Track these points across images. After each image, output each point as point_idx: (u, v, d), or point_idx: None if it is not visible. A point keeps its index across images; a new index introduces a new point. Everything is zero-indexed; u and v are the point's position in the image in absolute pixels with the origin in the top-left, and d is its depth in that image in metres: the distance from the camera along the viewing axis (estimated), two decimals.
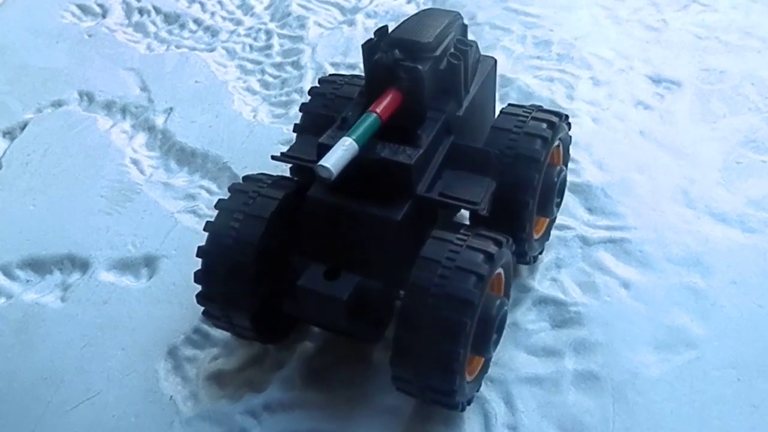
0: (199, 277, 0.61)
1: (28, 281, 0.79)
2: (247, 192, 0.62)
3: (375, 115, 0.58)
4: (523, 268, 0.73)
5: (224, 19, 1.15)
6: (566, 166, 0.74)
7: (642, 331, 0.68)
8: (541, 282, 0.73)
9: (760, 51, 0.96)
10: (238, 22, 1.13)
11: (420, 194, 0.59)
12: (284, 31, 1.09)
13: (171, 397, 0.67)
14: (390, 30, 0.65)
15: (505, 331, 0.68)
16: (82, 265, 0.79)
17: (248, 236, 0.59)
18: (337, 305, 0.57)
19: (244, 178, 0.65)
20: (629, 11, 1.07)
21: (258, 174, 0.66)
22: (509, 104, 0.69)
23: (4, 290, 0.78)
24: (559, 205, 0.71)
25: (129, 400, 0.67)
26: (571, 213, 0.78)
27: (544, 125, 0.64)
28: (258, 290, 0.60)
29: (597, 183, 0.81)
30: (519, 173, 0.63)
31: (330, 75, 0.75)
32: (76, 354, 0.71)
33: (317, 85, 0.73)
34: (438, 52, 0.61)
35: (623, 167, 0.82)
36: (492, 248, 0.56)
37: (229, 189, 0.63)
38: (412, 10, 1.13)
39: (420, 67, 0.60)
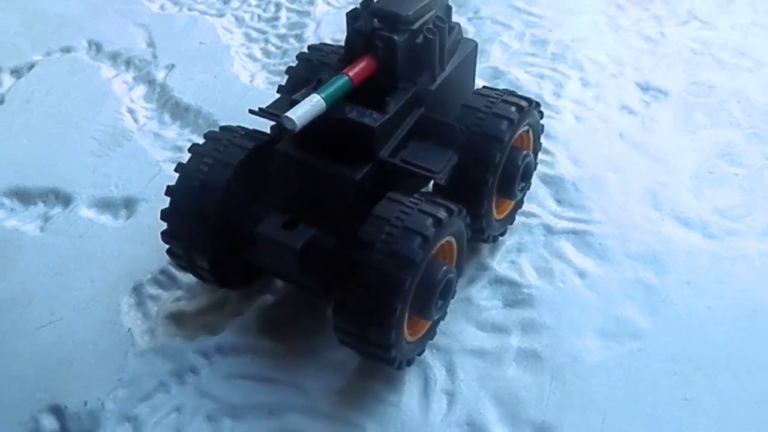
0: (165, 215, 0.64)
1: (12, 209, 0.82)
2: (220, 139, 0.65)
3: (347, 77, 0.61)
4: (485, 248, 0.76)
5: None
6: (536, 153, 0.76)
7: (590, 318, 0.70)
8: (500, 263, 0.75)
9: (751, 71, 0.98)
10: None
11: (382, 158, 0.62)
12: (293, 6, 1.12)
13: (129, 329, 0.70)
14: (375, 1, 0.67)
15: (457, 305, 0.71)
16: (65, 199, 0.82)
17: (215, 180, 0.62)
18: (290, 254, 0.60)
19: (221, 127, 0.68)
20: (630, 21, 1.09)
21: (236, 126, 0.68)
22: (484, 86, 0.72)
23: None
24: (523, 189, 0.73)
25: (89, 328, 0.70)
26: (539, 202, 0.81)
27: (513, 108, 0.67)
28: (219, 233, 0.63)
29: (569, 177, 0.83)
30: (482, 150, 0.65)
31: (320, 44, 0.78)
32: (47, 280, 0.74)
33: (306, 51, 0.76)
34: (415, 26, 0.64)
35: (598, 165, 0.84)
36: (442, 214, 0.58)
37: (205, 135, 0.66)
38: None
39: (396, 37, 0.62)
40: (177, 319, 0.71)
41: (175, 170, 0.64)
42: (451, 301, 0.69)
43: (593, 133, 0.89)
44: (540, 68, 0.98)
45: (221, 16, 1.11)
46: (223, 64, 0.99)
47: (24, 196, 0.83)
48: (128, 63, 1.01)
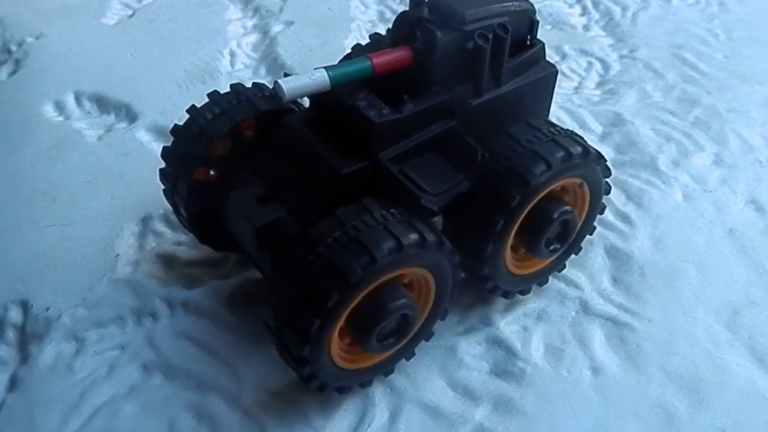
0: (163, 152, 0.62)
1: (88, 113, 0.86)
2: (240, 93, 0.61)
3: (368, 62, 0.54)
4: (500, 302, 0.65)
5: None
6: (593, 215, 0.64)
7: (579, 423, 0.57)
8: (509, 324, 0.64)
9: None
10: None
11: (381, 160, 0.55)
12: None
13: (117, 255, 0.69)
14: None
15: (437, 351, 0.62)
16: (132, 117, 0.84)
17: (212, 130, 0.59)
18: (250, 229, 0.55)
19: (254, 83, 0.64)
20: None
21: (270, 87, 0.65)
22: (546, 120, 0.61)
23: (65, 110, 0.86)
24: (555, 251, 0.61)
25: (86, 241, 0.71)
26: (591, 273, 0.68)
27: (560, 153, 0.56)
28: (202, 184, 0.60)
29: (640, 257, 0.69)
30: (500, 187, 0.55)
31: None
32: (77, 185, 0.76)
33: (382, 33, 0.70)
34: (469, 27, 0.55)
35: (681, 255, 0.69)
36: (409, 239, 0.49)
37: (231, 85, 0.63)
38: (577, 20, 1.04)
39: (439, 33, 0.54)
40: (165, 261, 0.70)
41: (186, 111, 0.62)
42: (428, 343, 0.61)
43: (696, 219, 0.73)
44: (671, 129, 0.83)
45: None
46: (337, 34, 0.96)
47: (103, 104, 0.86)
48: (255, 10, 1.02)
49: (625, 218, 0.73)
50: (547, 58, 0.64)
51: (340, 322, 0.51)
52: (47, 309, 0.66)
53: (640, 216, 0.73)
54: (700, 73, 0.93)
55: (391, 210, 0.52)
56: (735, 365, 0.61)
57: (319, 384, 0.54)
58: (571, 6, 1.07)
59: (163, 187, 0.64)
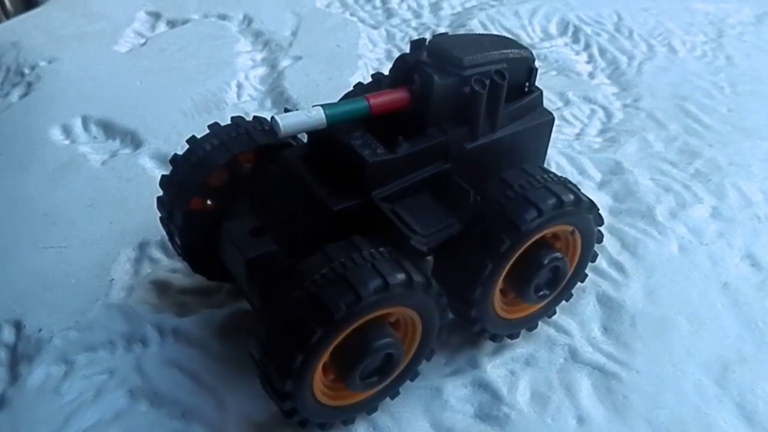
0: (162, 181, 0.63)
1: (94, 137, 0.87)
2: (240, 126, 0.62)
3: (366, 102, 0.55)
4: (489, 345, 0.65)
5: (409, 8, 1.16)
6: (584, 263, 0.64)
7: None
8: (496, 367, 0.64)
9: None
10: (418, 15, 1.14)
11: (373, 199, 0.55)
12: None
13: (112, 279, 0.70)
14: None
15: (423, 391, 0.62)
16: (137, 143, 0.85)
17: (209, 161, 0.60)
18: (240, 261, 0.56)
19: (254, 117, 0.65)
20: None
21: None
22: (540, 166, 0.62)
23: (72, 134, 0.87)
24: (545, 297, 0.61)
25: (81, 265, 0.71)
26: (582, 321, 0.68)
27: (551, 200, 0.56)
28: (197, 214, 0.61)
29: (632, 307, 0.69)
30: (491, 231, 0.55)
31: None
32: (79, 209, 0.77)
33: (385, 73, 0.71)
34: (466, 73, 0.56)
35: (674, 307, 0.69)
36: (396, 279, 0.50)
37: (231, 119, 0.64)
38: (583, 67, 1.05)
39: (436, 77, 0.55)
40: (159, 288, 0.70)
41: (186, 141, 0.63)
42: (413, 383, 0.60)
43: (691, 271, 0.73)
44: (671, 180, 0.84)
45: (375, 27, 1.09)
46: (343, 71, 0.97)
47: (109, 129, 0.88)
48: (265, 44, 1.04)
49: (619, 267, 0.73)
50: (551, 104, 0.65)
51: (324, 358, 0.51)
52: (40, 330, 0.66)
53: (634, 266, 0.73)
54: (702, 126, 0.94)
55: (380, 249, 0.52)
56: (722, 422, 0.61)
57: (300, 419, 0.54)
58: (577, 53, 1.09)
59: (160, 214, 0.65)
